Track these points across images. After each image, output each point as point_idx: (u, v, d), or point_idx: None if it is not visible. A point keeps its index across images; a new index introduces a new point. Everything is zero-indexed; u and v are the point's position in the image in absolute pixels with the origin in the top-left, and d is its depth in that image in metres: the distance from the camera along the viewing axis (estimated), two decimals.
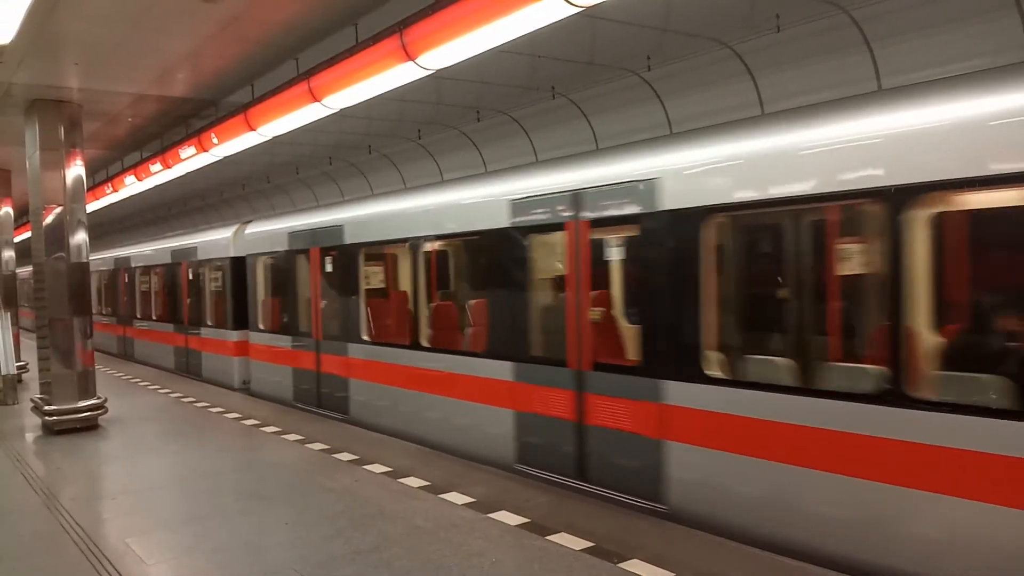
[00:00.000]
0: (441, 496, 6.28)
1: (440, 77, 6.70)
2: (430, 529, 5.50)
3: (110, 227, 25.49)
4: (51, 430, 9.42)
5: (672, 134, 7.66)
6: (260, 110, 8.17)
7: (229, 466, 7.63)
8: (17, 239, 16.56)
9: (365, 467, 7.27)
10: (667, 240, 5.90)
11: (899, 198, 4.50)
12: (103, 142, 11.93)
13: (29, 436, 9.56)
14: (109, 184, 13.81)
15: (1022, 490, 3.99)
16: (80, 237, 9.72)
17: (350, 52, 6.59)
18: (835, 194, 4.87)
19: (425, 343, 8.88)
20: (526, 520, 5.62)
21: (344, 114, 7.98)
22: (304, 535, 5.46)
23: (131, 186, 12.79)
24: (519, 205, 7.33)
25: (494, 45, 5.56)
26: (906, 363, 4.53)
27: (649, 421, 5.99)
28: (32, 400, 10.11)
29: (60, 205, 9.58)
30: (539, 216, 7.14)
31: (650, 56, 7.35)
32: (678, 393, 5.78)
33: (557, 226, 6.91)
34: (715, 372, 5.59)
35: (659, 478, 5.86)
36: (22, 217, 18.79)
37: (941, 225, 4.70)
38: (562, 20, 4.98)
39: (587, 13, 5.04)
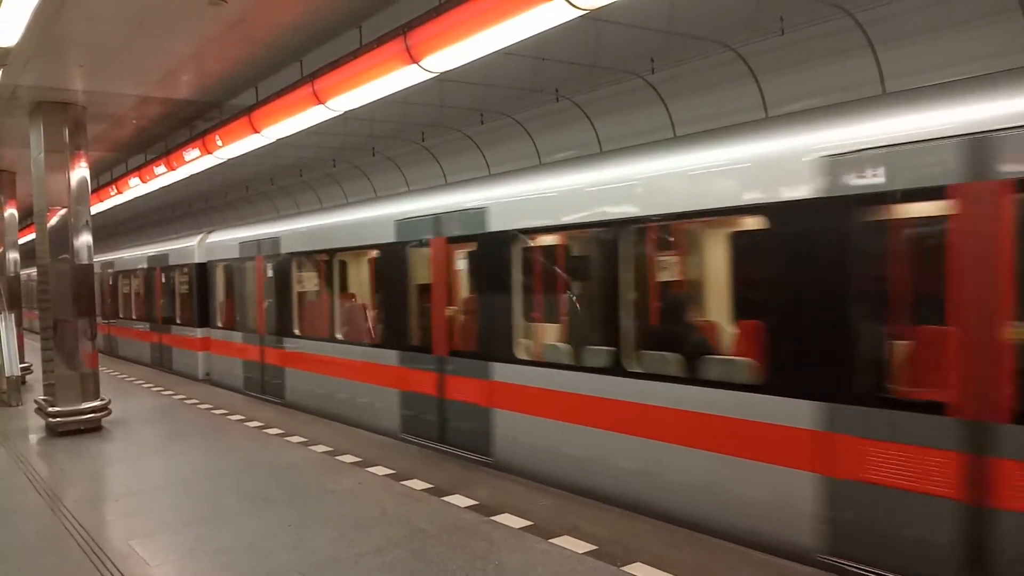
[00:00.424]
0: (444, 499, 6.27)
1: (444, 79, 6.70)
2: (433, 532, 5.50)
3: (114, 229, 25.56)
4: (55, 431, 9.44)
5: (502, 173, 9.36)
6: (264, 112, 8.19)
7: (232, 468, 7.63)
8: (21, 241, 16.59)
9: (368, 469, 7.27)
10: (491, 255, 7.59)
11: (617, 228, 6.31)
12: (108, 144, 11.96)
13: (33, 437, 9.58)
14: (113, 186, 13.84)
15: (693, 433, 5.59)
16: (84, 239, 9.74)
17: (354, 55, 6.60)
18: (587, 223, 6.67)
19: (340, 337, 10.54)
20: (529, 523, 5.62)
21: (348, 116, 7.99)
22: (307, 537, 5.46)
23: (135, 188, 12.82)
24: (401, 224, 9.01)
25: (498, 48, 5.57)
26: (623, 346, 6.27)
27: (482, 394, 7.70)
28: (36, 401, 10.13)
29: (64, 207, 9.60)
30: (414, 233, 8.82)
31: (654, 59, 7.35)
32: (499, 371, 7.50)
33: (425, 242, 8.62)
34: (522, 355, 7.31)
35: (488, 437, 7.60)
36: (27, 219, 18.84)
37: (641, 246, 6.49)
38: (566, 23, 4.98)
39: (591, 16, 5.05)
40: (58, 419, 9.42)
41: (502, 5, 5.05)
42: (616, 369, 6.29)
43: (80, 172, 9.74)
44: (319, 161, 13.02)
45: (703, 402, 5.57)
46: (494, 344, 7.58)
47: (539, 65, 7.45)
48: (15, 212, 15.04)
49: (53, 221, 9.58)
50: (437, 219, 8.40)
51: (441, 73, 6.21)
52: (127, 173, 13.09)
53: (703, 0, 6.01)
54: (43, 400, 9.85)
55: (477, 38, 5.40)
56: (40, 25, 6.19)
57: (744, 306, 6.53)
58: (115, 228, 25.39)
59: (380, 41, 6.23)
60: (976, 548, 4.12)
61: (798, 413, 4.89)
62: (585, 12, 4.75)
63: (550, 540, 5.25)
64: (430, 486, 6.64)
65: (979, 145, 4.14)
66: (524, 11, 4.90)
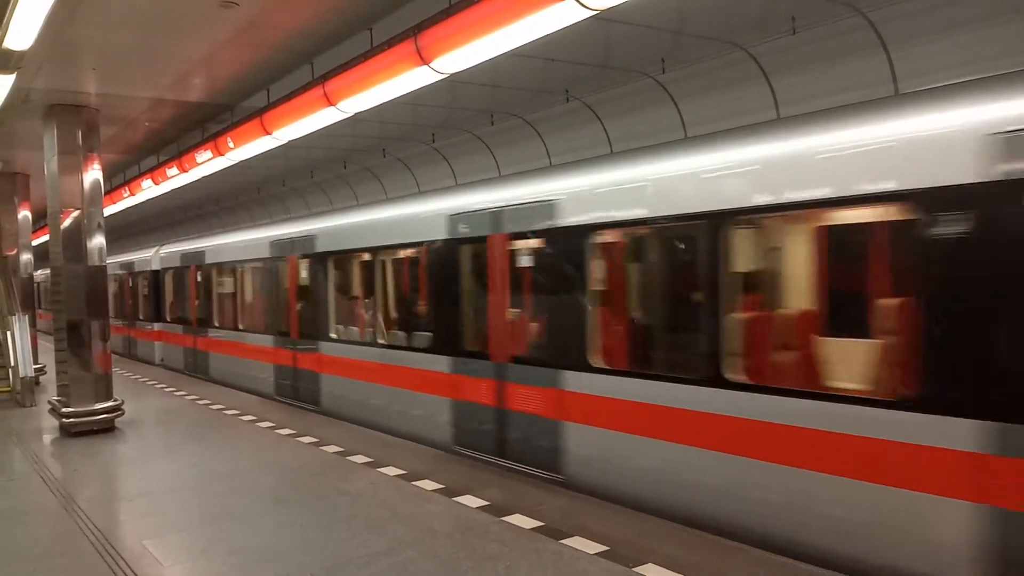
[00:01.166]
0: (455, 499, 6.28)
1: (454, 80, 6.71)
2: (445, 532, 5.51)
3: (126, 231, 25.70)
4: (68, 432, 9.50)
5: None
6: (276, 114, 8.22)
7: (244, 468, 7.67)
8: (35, 242, 16.73)
9: (379, 469, 7.29)
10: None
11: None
12: (120, 146, 12.03)
13: (47, 438, 9.65)
14: (126, 188, 13.93)
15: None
16: (97, 241, 9.80)
17: (365, 56, 6.62)
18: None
19: (242, 327, 13.94)
20: (540, 523, 5.62)
21: (358, 118, 8.01)
22: (319, 537, 5.48)
23: (148, 190, 12.90)
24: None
25: (508, 49, 5.57)
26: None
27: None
28: (49, 402, 10.20)
29: (78, 209, 9.67)
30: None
31: (664, 59, 7.34)
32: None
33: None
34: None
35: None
36: (40, 221, 18.99)
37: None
38: (576, 23, 4.98)
39: (601, 16, 5.05)
40: (72, 420, 9.49)
41: (512, 6, 5.05)
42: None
43: (93, 174, 9.80)
44: (330, 162, 13.06)
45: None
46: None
47: (549, 66, 7.45)
48: (29, 214, 15.16)
49: (66, 223, 9.64)
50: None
51: (451, 74, 6.22)
52: (140, 175, 13.17)
53: (714, 0, 6.00)
54: (57, 401, 9.93)
55: (487, 39, 5.40)
56: (53, 29, 6.24)
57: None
58: (127, 230, 25.54)
59: (391, 43, 6.25)
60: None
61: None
62: (596, 12, 4.75)
63: (561, 541, 5.25)
64: (441, 487, 6.65)
65: None
66: (534, 12, 4.90)
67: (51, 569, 5.19)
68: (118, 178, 15.30)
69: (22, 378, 11.93)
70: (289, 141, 8.83)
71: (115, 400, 9.93)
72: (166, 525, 6.03)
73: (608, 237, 6.61)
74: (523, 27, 5.12)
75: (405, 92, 6.77)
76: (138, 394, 12.76)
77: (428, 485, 6.71)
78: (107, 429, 9.67)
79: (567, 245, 6.74)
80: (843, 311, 5.70)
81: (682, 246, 6.51)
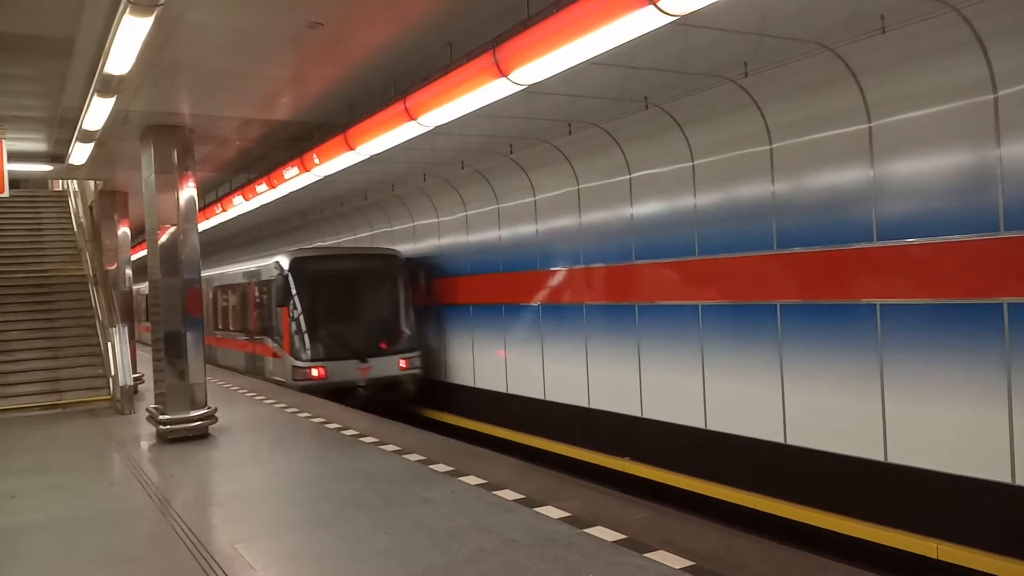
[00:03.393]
0: (536, 510, 6.25)
1: (531, 91, 6.74)
2: (526, 543, 5.48)
3: (216, 247, 26.76)
4: (165, 438, 9.90)
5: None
6: (358, 130, 8.42)
7: (330, 475, 7.83)
8: (133, 257, 17.57)
9: (460, 479, 7.33)
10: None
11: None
12: (213, 164, 12.54)
13: (144, 444, 10.07)
14: (219, 204, 14.50)
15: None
16: (193, 255, 10.21)
17: (444, 71, 6.72)
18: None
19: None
20: (623, 536, 5.53)
21: (438, 132, 8.13)
22: (403, 544, 5.54)
23: (239, 206, 13.39)
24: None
25: (587, 58, 5.56)
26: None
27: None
28: (147, 410, 10.65)
29: (174, 225, 10.08)
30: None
31: (747, 62, 7.19)
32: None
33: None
34: None
35: None
36: (138, 236, 19.95)
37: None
38: (656, 30, 4.93)
39: (681, 22, 4.98)
40: (168, 427, 9.88)
41: (591, 16, 5.03)
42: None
43: (188, 191, 10.20)
44: (410, 175, 13.29)
45: None
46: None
47: (627, 73, 7.40)
48: (128, 230, 15.93)
49: (163, 238, 10.08)
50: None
51: (529, 86, 6.25)
52: (231, 192, 13.69)
53: (796, 1, 5.84)
54: (154, 408, 10.35)
55: (565, 50, 5.40)
56: (150, 53, 6.54)
57: None
58: (217, 246, 26.58)
59: (469, 56, 6.32)
60: None
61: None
62: (676, 18, 4.69)
63: (645, 554, 5.16)
64: (522, 496, 6.64)
65: None
66: (613, 20, 4.88)
67: (149, 571, 5.40)
68: (211, 195, 15.95)
69: (121, 387, 12.50)
70: (371, 156, 9.04)
71: (209, 408, 10.30)
72: (257, 530, 6.21)
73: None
74: (601, 36, 5.10)
75: (484, 104, 6.83)
76: (228, 402, 13.22)
77: (509, 495, 6.71)
78: (201, 436, 10.03)
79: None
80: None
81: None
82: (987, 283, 5.99)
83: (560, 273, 11.29)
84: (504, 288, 12.76)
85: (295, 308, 14.29)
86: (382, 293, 15.09)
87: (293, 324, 14.28)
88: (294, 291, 14.30)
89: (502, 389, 12.93)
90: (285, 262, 14.57)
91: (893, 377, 6.70)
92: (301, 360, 14.08)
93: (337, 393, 13.34)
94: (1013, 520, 5.89)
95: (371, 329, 14.77)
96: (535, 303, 11.87)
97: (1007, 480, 5.91)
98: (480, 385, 13.68)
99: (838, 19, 6.19)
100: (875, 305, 6.83)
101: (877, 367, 6.81)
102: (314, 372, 13.59)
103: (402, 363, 14.52)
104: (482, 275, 13.46)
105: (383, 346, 14.48)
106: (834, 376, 7.23)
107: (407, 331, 14.95)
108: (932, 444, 6.42)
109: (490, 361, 13.30)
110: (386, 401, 13.93)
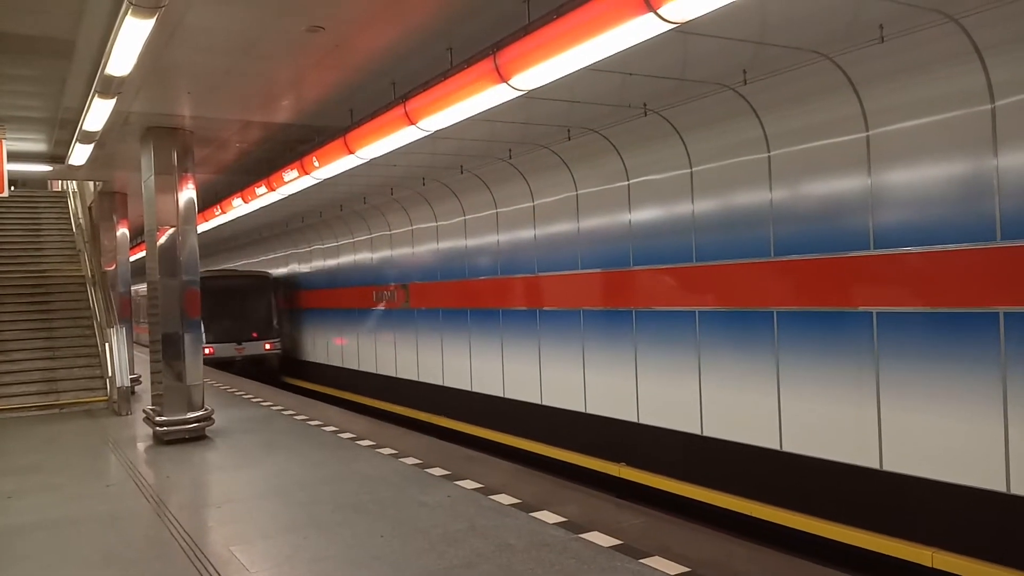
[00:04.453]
0: (532, 514, 6.26)
1: (530, 97, 6.76)
2: (522, 547, 5.49)
3: (216, 248, 26.78)
4: (161, 440, 9.90)
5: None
6: (358, 134, 8.44)
7: (326, 477, 7.83)
8: (132, 258, 17.56)
9: (457, 483, 7.34)
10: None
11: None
12: (213, 166, 12.55)
13: (140, 445, 10.07)
14: (218, 206, 14.50)
15: None
16: (192, 256, 10.22)
17: (444, 75, 6.74)
18: None
19: None
20: (619, 541, 5.54)
21: (437, 136, 8.15)
22: (399, 548, 5.54)
23: (238, 208, 13.41)
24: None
25: (587, 64, 5.58)
26: None
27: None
28: (144, 411, 10.65)
29: (173, 226, 10.10)
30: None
31: (746, 70, 7.22)
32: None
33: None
34: None
35: None
36: (136, 237, 19.96)
37: None
38: (655, 37, 4.96)
39: (681, 29, 5.01)
40: (164, 428, 9.88)
41: (592, 22, 5.06)
42: None
43: (187, 193, 10.22)
44: (409, 179, 13.31)
45: None
46: None
47: (626, 80, 7.43)
48: (127, 231, 15.92)
49: (162, 240, 10.09)
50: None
51: (529, 91, 6.27)
52: (231, 194, 13.70)
53: (796, 8, 5.87)
54: (151, 410, 10.35)
55: (566, 55, 5.43)
56: (151, 55, 6.56)
57: None
58: (217, 247, 26.61)
59: (470, 61, 6.35)
60: None
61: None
62: (676, 26, 4.72)
63: (640, 560, 5.17)
64: (518, 501, 6.65)
65: None
66: (613, 27, 4.90)
67: (144, 573, 5.41)
68: (210, 196, 15.96)
69: (118, 388, 12.49)
70: (371, 160, 9.05)
71: (205, 409, 10.30)
72: (252, 532, 6.21)
73: None
74: (602, 42, 5.12)
75: (484, 109, 6.85)
76: (225, 403, 13.21)
77: (505, 499, 6.72)
78: (198, 437, 10.04)
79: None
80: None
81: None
82: (983, 292, 6.01)
83: (554, 278, 11.32)
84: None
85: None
86: (253, 300, 22.21)
87: None
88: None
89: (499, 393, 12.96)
90: None
91: (889, 385, 6.72)
92: None
93: (223, 364, 20.21)
94: (1008, 528, 5.91)
95: (245, 323, 21.62)
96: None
97: (1002, 489, 5.93)
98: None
99: (837, 28, 6.22)
100: (871, 313, 6.86)
101: (873, 374, 6.83)
102: (207, 351, 17.83)
103: (267, 346, 21.67)
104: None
105: (255, 335, 21.55)
106: (830, 383, 7.24)
107: (276, 326, 22.17)
108: (927, 452, 6.44)
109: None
110: (258, 372, 20.11)
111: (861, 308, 6.95)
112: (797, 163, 7.56)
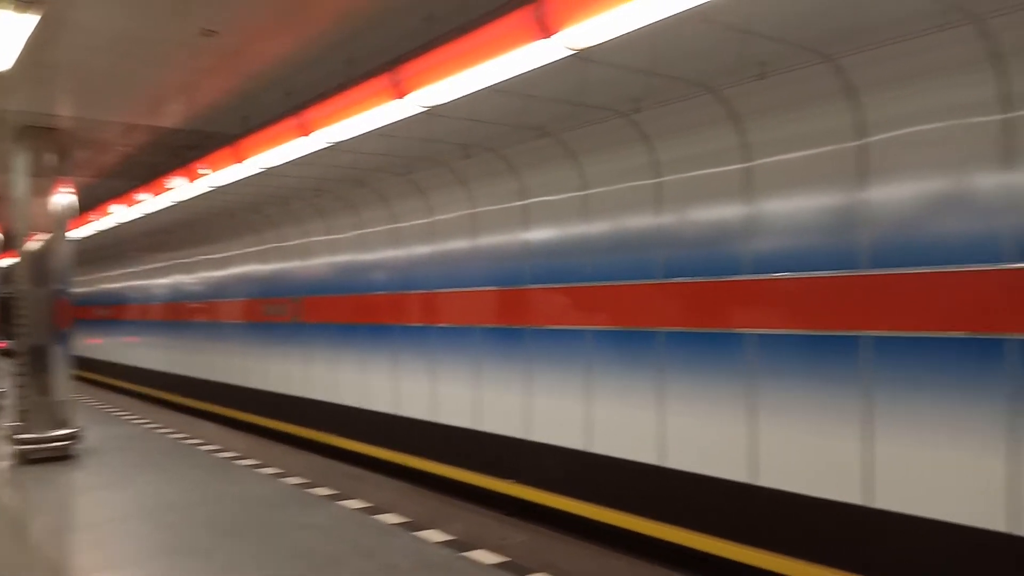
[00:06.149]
0: (417, 534, 6.20)
1: (431, 114, 6.77)
2: (407, 568, 5.41)
3: (97, 255, 25.40)
4: (25, 459, 9.25)
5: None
6: (250, 142, 8.23)
7: (202, 499, 7.51)
8: (1, 264, 16.45)
9: (342, 503, 7.18)
10: None
11: None
12: (93, 170, 11.93)
13: (2, 465, 9.38)
14: (95, 212, 13.77)
15: None
16: (64, 265, 9.66)
17: (341, 87, 6.68)
18: None
19: None
20: (505, 559, 5.56)
21: (334, 148, 8.04)
22: (277, 573, 5.36)
23: (117, 214, 12.77)
24: None
25: (486, 85, 5.65)
26: None
27: None
28: (4, 427, 9.95)
29: (45, 232, 9.53)
30: None
31: (640, 99, 7.47)
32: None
33: None
34: None
35: None
36: (8, 243, 18.70)
37: None
38: (554, 62, 5.07)
39: (580, 56, 5.14)
40: (28, 446, 9.25)
41: (492, 43, 5.14)
42: None
43: (64, 197, 9.68)
44: (304, 192, 13.03)
45: None
46: None
47: (527, 102, 7.54)
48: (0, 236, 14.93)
49: (32, 246, 9.50)
50: None
51: (429, 108, 6.28)
52: (109, 199, 13.05)
53: (686, 43, 6.13)
54: (14, 426, 9.68)
55: (465, 75, 5.49)
56: (33, 51, 6.22)
57: None
58: (98, 253, 25.23)
59: (368, 75, 6.31)
60: None
61: None
62: (574, 52, 4.85)
63: None
64: (406, 520, 6.57)
65: None
66: (513, 49, 4.99)
67: None
68: (91, 201, 15.15)
69: None
70: (265, 169, 8.83)
71: (74, 427, 9.70)
72: (120, 558, 5.88)
73: None
74: (502, 64, 5.22)
75: (382, 125, 6.82)
76: (99, 421, 12.48)
77: (393, 519, 6.63)
78: (65, 456, 9.44)
79: None
80: None
81: None
82: (849, 316, 6.40)
83: (451, 294, 11.31)
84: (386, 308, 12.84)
85: None
86: None
87: None
88: None
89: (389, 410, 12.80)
90: None
91: (765, 402, 7.04)
92: None
93: None
94: (863, 538, 6.26)
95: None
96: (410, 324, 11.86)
97: (857, 502, 6.29)
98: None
99: (722, 64, 6.52)
100: (749, 334, 7.18)
101: (754, 392, 7.14)
102: None
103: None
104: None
105: None
106: (714, 400, 7.52)
107: None
108: (803, 468, 6.76)
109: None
110: None
111: (739, 330, 7.27)
112: (685, 190, 7.86)
